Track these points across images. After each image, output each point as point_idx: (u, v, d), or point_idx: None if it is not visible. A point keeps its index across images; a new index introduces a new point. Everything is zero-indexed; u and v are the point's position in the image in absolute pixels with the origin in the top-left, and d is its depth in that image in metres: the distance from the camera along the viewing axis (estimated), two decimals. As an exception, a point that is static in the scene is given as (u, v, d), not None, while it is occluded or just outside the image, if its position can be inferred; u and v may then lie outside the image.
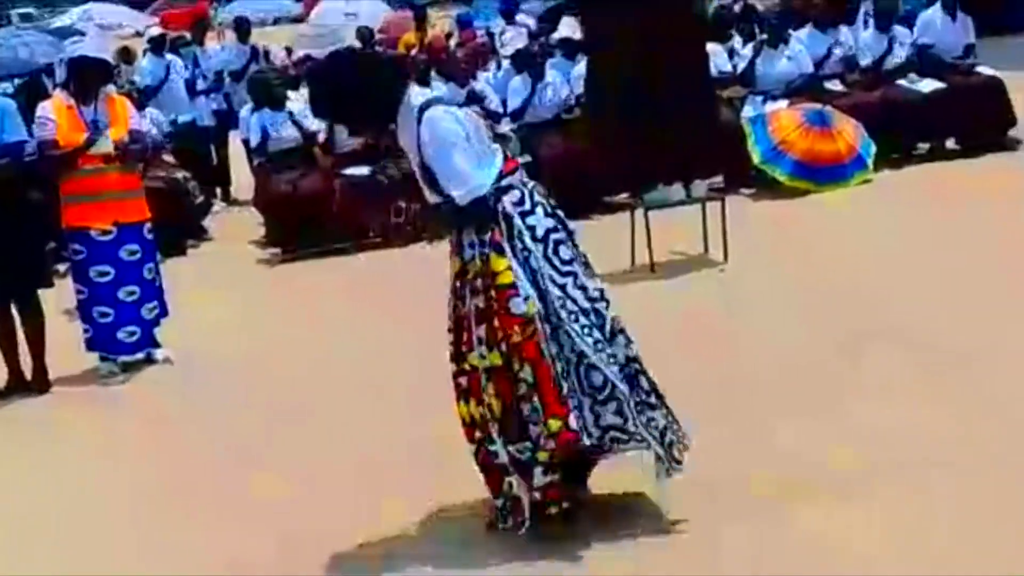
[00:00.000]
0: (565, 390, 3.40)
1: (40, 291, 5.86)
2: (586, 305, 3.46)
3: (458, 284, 3.50)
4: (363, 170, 8.35)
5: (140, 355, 5.92)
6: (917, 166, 8.77)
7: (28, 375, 5.76)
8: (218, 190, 10.70)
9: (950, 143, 9.07)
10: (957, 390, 4.33)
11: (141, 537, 3.93)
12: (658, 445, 3.53)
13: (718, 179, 7.56)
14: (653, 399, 3.57)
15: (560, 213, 3.51)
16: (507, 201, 3.43)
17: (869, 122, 8.55)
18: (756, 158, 8.31)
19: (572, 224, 3.58)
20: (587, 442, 3.45)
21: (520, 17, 14.39)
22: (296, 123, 8.56)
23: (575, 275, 3.46)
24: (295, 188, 8.32)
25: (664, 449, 3.54)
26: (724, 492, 3.72)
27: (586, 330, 3.43)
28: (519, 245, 3.40)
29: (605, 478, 3.75)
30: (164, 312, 6.00)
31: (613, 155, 7.25)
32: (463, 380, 3.50)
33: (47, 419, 5.42)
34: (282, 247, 8.34)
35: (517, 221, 3.41)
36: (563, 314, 3.41)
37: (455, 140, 3.41)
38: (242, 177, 10.36)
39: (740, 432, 4.16)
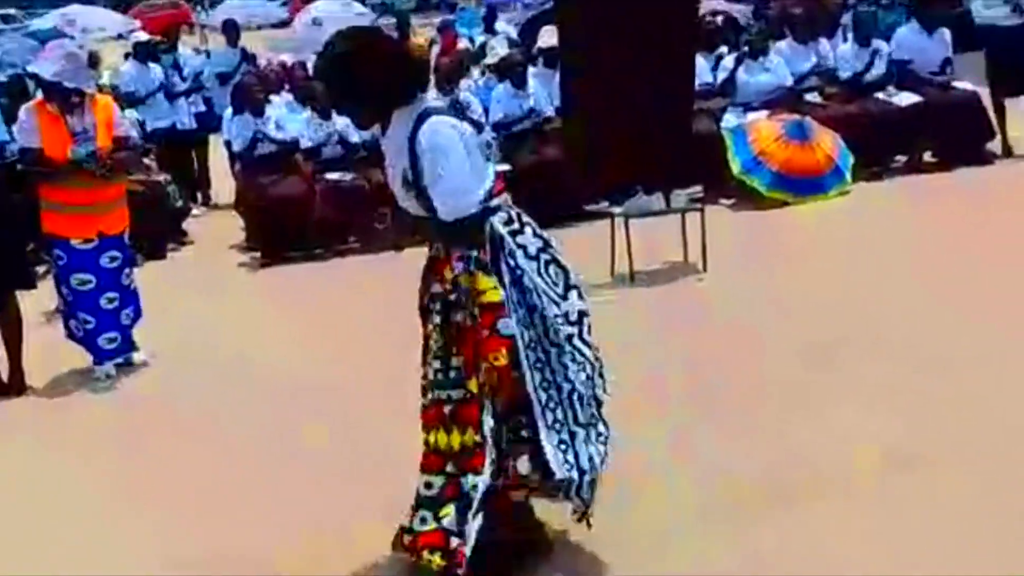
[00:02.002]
0: (547, 426, 3.25)
1: (21, 293, 5.84)
2: (573, 330, 3.35)
3: (438, 304, 3.35)
4: (345, 175, 8.37)
5: (120, 360, 5.90)
6: (894, 178, 8.85)
7: (4, 376, 5.74)
8: (199, 194, 10.68)
9: (927, 156, 9.16)
10: (933, 396, 4.38)
11: (119, 535, 3.93)
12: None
13: (698, 189, 7.61)
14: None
15: (544, 234, 3.40)
16: (496, 221, 3.28)
17: (847, 134, 8.62)
18: (736, 169, 8.37)
19: (550, 233, 3.53)
20: (574, 476, 3.30)
21: (500, 26, 14.46)
22: (267, 136, 8.54)
23: (562, 297, 3.35)
24: (276, 192, 8.32)
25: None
26: (704, 496, 3.75)
27: (575, 356, 3.33)
28: (512, 263, 3.28)
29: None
30: (139, 315, 5.99)
31: (592, 164, 7.26)
32: (447, 408, 3.32)
33: (23, 420, 5.39)
34: (263, 251, 8.34)
35: (508, 241, 3.29)
36: (562, 335, 3.30)
37: (455, 152, 3.24)
38: (224, 181, 10.35)
39: (719, 438, 4.19)
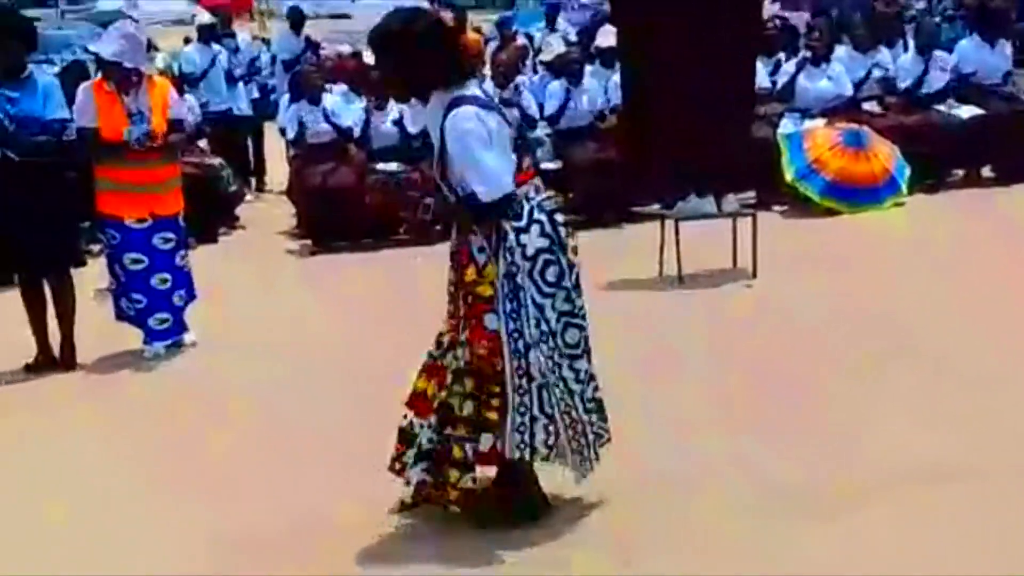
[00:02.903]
0: (513, 408, 3.49)
1: (73, 270, 5.92)
2: (558, 327, 3.52)
3: (455, 287, 3.58)
4: (396, 166, 8.40)
5: (170, 341, 5.94)
6: (951, 192, 8.73)
7: (56, 352, 5.83)
8: (252, 179, 10.78)
9: (986, 171, 9.02)
10: (981, 411, 4.32)
11: (161, 513, 3.95)
12: (579, 461, 3.65)
13: (750, 194, 7.56)
14: (587, 416, 3.65)
15: (561, 230, 3.51)
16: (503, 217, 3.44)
17: (905, 145, 8.52)
18: (789, 175, 8.30)
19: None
20: (535, 458, 3.58)
21: (561, 24, 14.43)
22: (328, 120, 8.60)
23: (554, 297, 3.50)
24: (328, 181, 8.37)
25: (580, 464, 3.65)
26: (750, 502, 3.73)
27: (553, 352, 3.51)
28: (509, 259, 3.43)
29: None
30: (192, 296, 6.05)
31: (646, 164, 7.24)
32: (434, 366, 3.63)
33: (71, 396, 5.47)
34: (313, 239, 8.40)
35: (511, 237, 3.43)
36: (535, 333, 3.46)
37: (478, 137, 3.39)
38: (277, 167, 10.44)
39: (765, 445, 4.16)
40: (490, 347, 3.47)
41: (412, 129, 8.56)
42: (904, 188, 8.36)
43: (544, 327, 3.48)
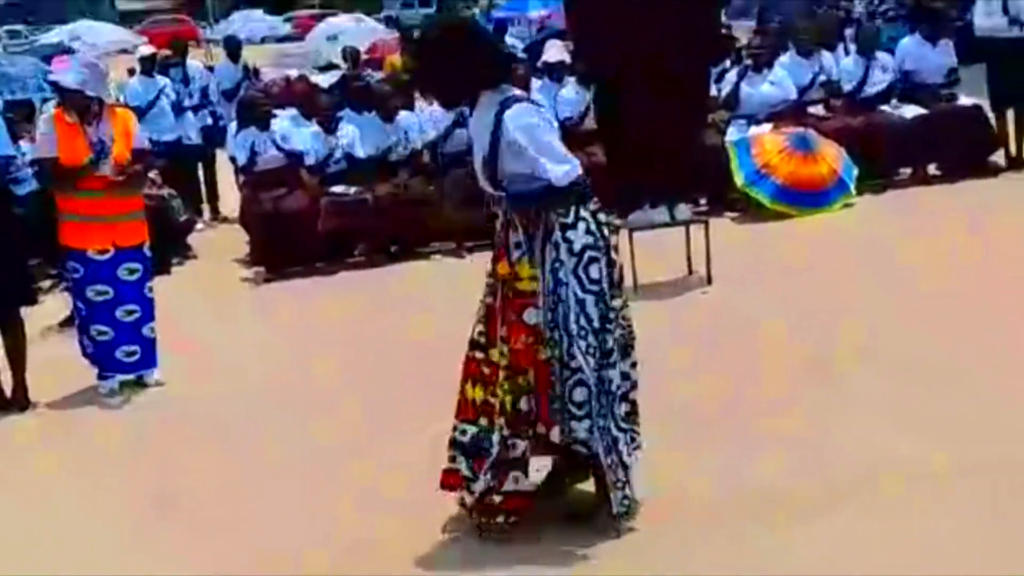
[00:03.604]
0: (554, 402, 3.54)
1: (25, 309, 5.83)
2: (597, 325, 3.54)
3: (494, 280, 3.62)
4: (349, 189, 8.38)
5: (135, 375, 5.86)
6: (899, 191, 8.85)
7: (8, 392, 5.74)
8: (205, 208, 10.71)
9: (932, 168, 9.15)
10: (939, 409, 4.37)
11: (124, 551, 3.92)
12: (615, 470, 3.64)
13: (702, 202, 7.61)
14: (624, 425, 3.68)
15: (604, 229, 3.59)
16: (552, 212, 3.51)
17: (851, 147, 8.62)
18: (739, 181, 8.37)
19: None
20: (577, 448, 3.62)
21: (509, 40, 14.51)
22: (278, 145, 8.56)
23: (598, 294, 3.54)
24: (280, 207, 8.33)
25: (616, 476, 3.64)
26: (713, 508, 3.75)
27: (590, 349, 3.53)
28: (553, 255, 3.49)
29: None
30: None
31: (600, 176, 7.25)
32: (485, 368, 3.61)
33: (26, 436, 5.38)
34: (267, 266, 8.34)
35: (557, 233, 3.49)
36: (574, 328, 3.50)
37: (544, 127, 3.56)
38: (228, 195, 10.37)
39: (726, 451, 4.19)
40: (529, 342, 3.51)
41: (361, 153, 8.54)
42: (853, 189, 8.46)
43: (584, 323, 3.51)
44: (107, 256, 5.70)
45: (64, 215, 5.71)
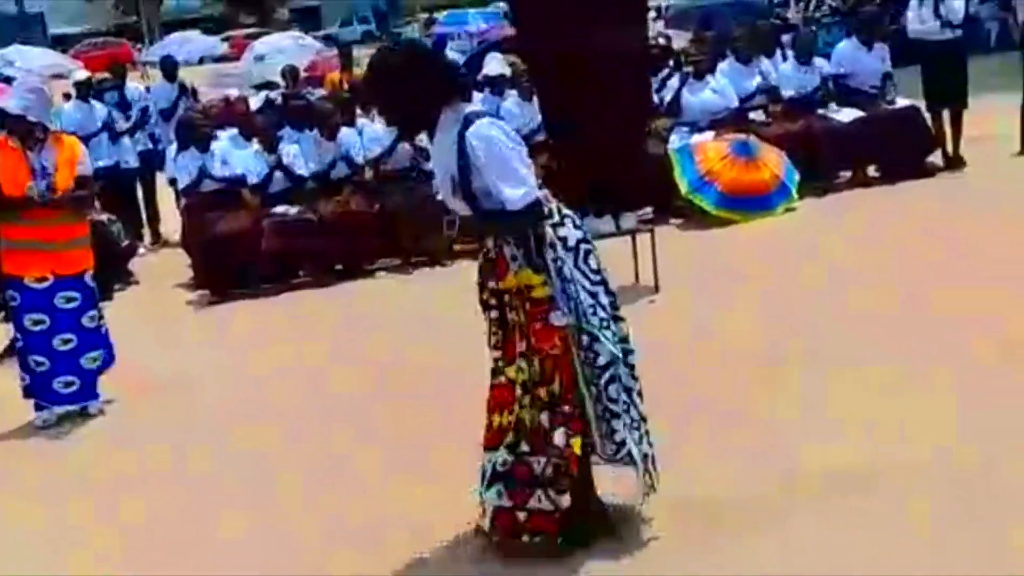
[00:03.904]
0: (587, 407, 3.52)
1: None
2: (612, 313, 3.58)
3: (495, 299, 3.55)
4: (291, 209, 8.30)
5: (75, 407, 5.74)
6: (840, 193, 8.95)
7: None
8: (146, 232, 10.55)
9: (871, 170, 9.27)
10: (880, 412, 4.40)
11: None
12: (643, 463, 3.65)
13: (647, 210, 7.63)
14: (639, 419, 3.69)
15: (584, 228, 3.61)
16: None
17: (792, 152, 8.72)
18: (683, 189, 8.42)
19: None
20: (601, 457, 3.61)
21: (449, 54, 14.49)
22: (209, 174, 8.46)
23: (605, 283, 3.57)
24: (222, 229, 8.22)
25: (645, 470, 3.66)
26: (653, 516, 3.73)
27: (615, 338, 3.56)
28: (552, 255, 3.49)
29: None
30: (110, 360, 5.86)
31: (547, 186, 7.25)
32: (506, 392, 3.56)
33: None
34: (211, 289, 8.24)
35: (549, 232, 3.49)
36: (595, 321, 3.50)
37: (510, 146, 3.48)
38: (170, 218, 10.24)
39: (669, 460, 4.16)
40: (563, 345, 3.48)
41: (303, 172, 8.48)
42: (795, 193, 8.55)
43: (603, 314, 3.52)
44: (45, 284, 5.59)
45: (4, 242, 5.61)
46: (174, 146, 9.01)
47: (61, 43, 43.81)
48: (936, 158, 9.27)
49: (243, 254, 8.08)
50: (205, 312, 7.95)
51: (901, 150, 9.10)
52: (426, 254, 8.34)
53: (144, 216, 10.64)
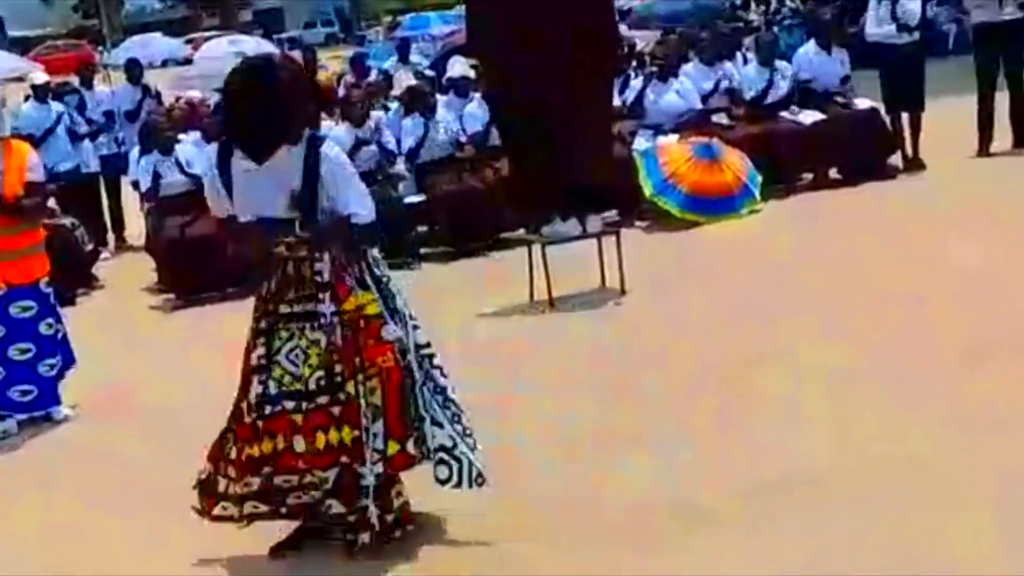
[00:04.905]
0: (416, 412, 3.68)
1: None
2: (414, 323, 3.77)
3: (303, 321, 3.63)
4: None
5: (38, 413, 5.69)
6: (802, 195, 9.04)
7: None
8: (110, 236, 10.47)
9: (832, 172, 9.38)
10: (841, 416, 4.44)
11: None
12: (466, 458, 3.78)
13: (612, 213, 7.68)
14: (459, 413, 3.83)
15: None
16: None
17: (755, 154, 8.80)
18: (648, 191, 8.48)
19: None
20: (422, 458, 3.73)
21: (414, 57, 14.49)
22: (182, 168, 8.42)
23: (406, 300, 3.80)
24: (186, 232, 8.17)
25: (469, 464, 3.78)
26: (621, 520, 3.77)
27: (433, 358, 3.79)
28: (379, 272, 3.71)
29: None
30: (70, 362, 5.81)
31: (509, 191, 7.31)
32: (335, 409, 3.61)
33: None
34: (176, 292, 8.19)
35: (371, 251, 3.72)
36: (420, 338, 3.76)
37: (351, 166, 3.73)
38: (133, 221, 10.16)
39: (633, 463, 4.22)
40: (394, 358, 3.63)
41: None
42: (758, 195, 8.63)
43: (420, 327, 3.77)
44: None
45: None
46: (137, 149, 8.95)
47: (21, 46, 43.32)
48: (896, 160, 9.39)
49: (208, 257, 8.01)
50: (170, 316, 7.91)
51: (862, 152, 9.21)
52: (393, 256, 8.33)
53: (108, 220, 10.56)
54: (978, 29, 9.66)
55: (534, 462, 4.28)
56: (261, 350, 3.68)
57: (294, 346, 3.64)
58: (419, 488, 3.84)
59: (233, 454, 3.74)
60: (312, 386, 3.62)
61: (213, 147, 3.70)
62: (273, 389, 3.64)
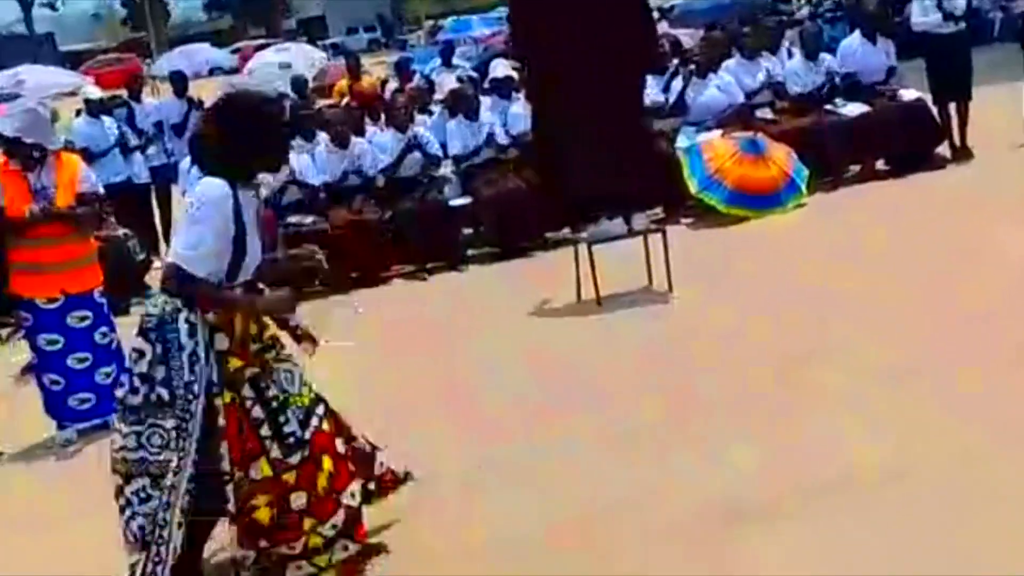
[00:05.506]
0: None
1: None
2: None
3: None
4: (306, 218, 8.36)
5: (97, 421, 5.77)
6: (848, 188, 8.96)
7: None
8: (162, 247, 10.63)
9: (880, 164, 9.29)
10: (901, 407, 4.41)
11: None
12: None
13: (657, 210, 7.67)
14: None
15: None
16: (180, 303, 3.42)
17: (800, 148, 8.74)
18: (693, 188, 8.46)
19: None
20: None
21: (456, 60, 14.56)
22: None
23: None
24: (238, 241, 8.27)
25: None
26: (680, 515, 3.78)
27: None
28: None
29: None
30: (121, 374, 5.90)
31: (555, 191, 7.34)
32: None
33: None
34: (227, 300, 8.28)
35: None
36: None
37: (218, 211, 3.38)
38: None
39: (694, 458, 4.22)
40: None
41: (316, 182, 8.54)
42: (804, 189, 8.58)
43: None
44: (56, 304, 5.65)
45: (12, 264, 5.67)
46: (187, 159, 9.08)
47: (72, 60, 44.07)
48: (944, 150, 9.28)
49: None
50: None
51: (909, 143, 9.11)
52: (440, 259, 8.41)
53: (160, 230, 10.73)
54: (1024, 17, 9.54)
55: (588, 465, 4.29)
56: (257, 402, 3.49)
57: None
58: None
59: (301, 503, 3.49)
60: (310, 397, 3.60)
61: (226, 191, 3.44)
62: (294, 419, 3.51)
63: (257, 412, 3.46)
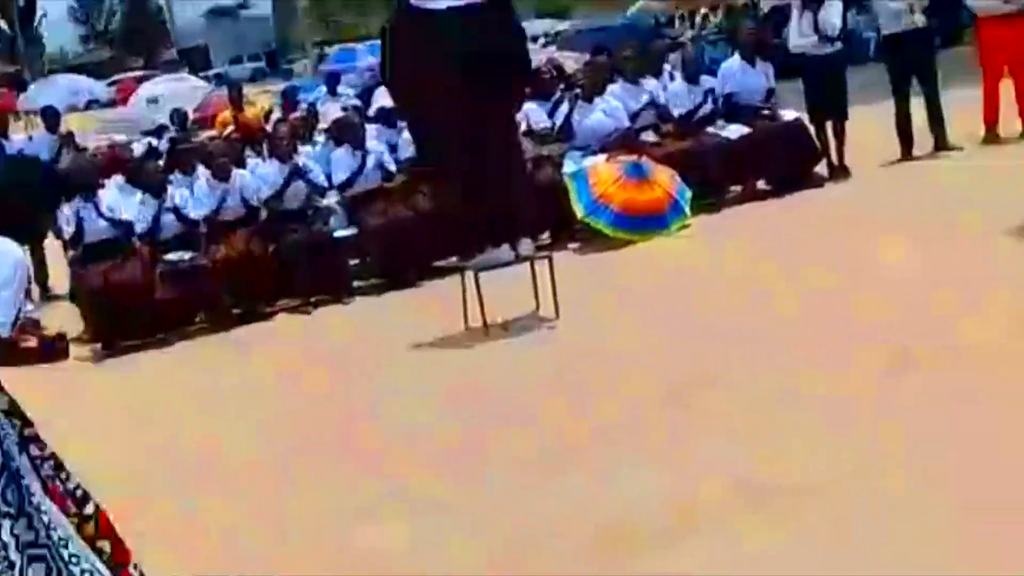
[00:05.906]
0: None
1: None
2: None
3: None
4: (185, 255, 8.12)
5: None
6: (731, 208, 9.09)
7: None
8: (33, 288, 10.21)
9: (760, 184, 9.45)
10: (783, 430, 4.43)
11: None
12: None
13: (543, 236, 7.65)
14: None
15: None
16: None
17: (683, 169, 8.83)
18: (579, 212, 8.47)
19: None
20: None
21: (342, 89, 14.41)
22: (102, 214, 8.23)
23: None
24: (113, 279, 8.00)
25: None
26: (565, 543, 3.73)
27: None
28: None
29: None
30: None
31: (440, 220, 7.27)
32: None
33: None
34: (103, 342, 8.00)
35: None
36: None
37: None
38: (58, 270, 9.94)
39: (579, 484, 4.18)
40: None
41: (195, 215, 8.31)
42: (688, 210, 8.66)
43: None
44: None
45: None
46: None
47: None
48: (822, 168, 9.48)
49: (134, 304, 7.87)
50: (98, 367, 7.72)
51: (788, 162, 9.30)
52: (326, 292, 8.24)
53: (31, 271, 10.31)
54: (887, 40, 9.87)
55: (479, 495, 4.22)
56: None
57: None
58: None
59: None
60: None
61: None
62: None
63: None
